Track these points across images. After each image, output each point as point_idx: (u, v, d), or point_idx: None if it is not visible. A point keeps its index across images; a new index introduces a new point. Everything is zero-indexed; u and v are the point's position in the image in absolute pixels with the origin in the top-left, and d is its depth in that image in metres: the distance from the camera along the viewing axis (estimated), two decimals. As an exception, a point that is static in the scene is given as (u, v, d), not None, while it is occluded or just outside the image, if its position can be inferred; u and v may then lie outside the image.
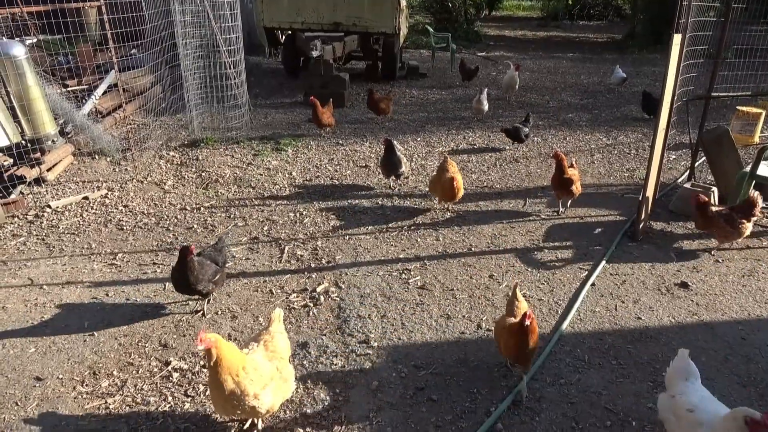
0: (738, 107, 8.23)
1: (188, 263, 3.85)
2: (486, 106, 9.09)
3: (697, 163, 6.57)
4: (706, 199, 4.99)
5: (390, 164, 6.24)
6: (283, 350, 3.16)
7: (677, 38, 4.84)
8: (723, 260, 4.97)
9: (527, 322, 3.19)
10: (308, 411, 3.27)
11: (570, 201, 5.91)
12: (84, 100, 7.93)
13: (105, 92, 8.39)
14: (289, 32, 11.91)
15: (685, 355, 3.02)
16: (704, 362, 3.68)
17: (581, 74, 13.53)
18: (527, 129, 7.79)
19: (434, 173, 6.04)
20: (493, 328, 3.83)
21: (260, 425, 3.13)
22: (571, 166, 5.81)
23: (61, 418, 3.22)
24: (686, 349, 3.05)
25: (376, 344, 3.84)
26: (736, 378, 3.55)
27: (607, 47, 18.59)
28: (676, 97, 5.41)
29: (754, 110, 8.03)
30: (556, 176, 5.69)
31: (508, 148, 7.94)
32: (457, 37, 16.89)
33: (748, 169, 5.49)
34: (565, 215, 5.82)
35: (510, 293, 3.71)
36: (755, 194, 4.98)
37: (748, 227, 4.94)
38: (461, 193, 5.64)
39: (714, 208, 5.03)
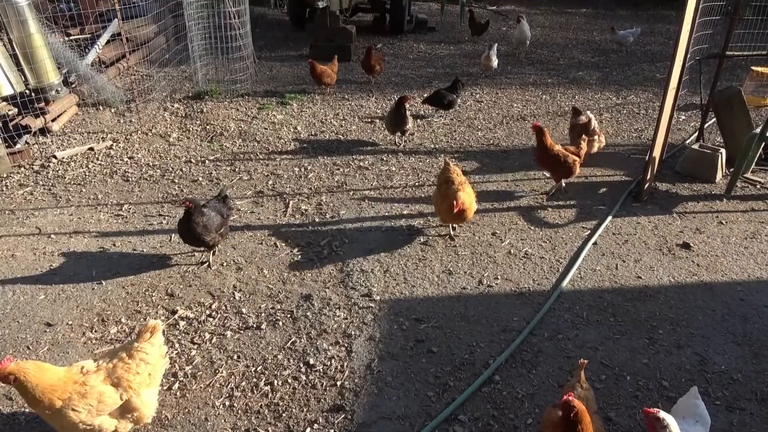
0: (752, 67, 8.04)
1: (193, 215, 3.87)
2: (495, 63, 8.92)
3: (706, 124, 6.48)
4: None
5: (397, 120, 6.19)
6: (136, 380, 2.63)
7: (694, -7, 4.69)
8: (726, 222, 4.96)
9: (572, 411, 2.38)
10: (311, 360, 3.36)
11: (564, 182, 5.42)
12: (87, 50, 7.82)
13: (108, 42, 8.26)
14: (295, -18, 11.60)
15: (695, 393, 2.69)
16: (701, 321, 3.74)
17: (593, 31, 13.19)
18: (453, 95, 7.06)
19: (435, 186, 4.79)
20: (543, 419, 2.74)
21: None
22: (579, 136, 5.43)
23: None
24: (695, 387, 2.76)
25: (378, 298, 3.90)
26: (732, 337, 3.61)
27: (622, 3, 18.04)
28: (689, 56, 5.29)
29: (769, 71, 7.84)
30: (539, 151, 5.15)
31: (515, 105, 7.84)
32: (467, -10, 16.40)
33: (758, 130, 5.42)
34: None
35: (574, 371, 2.78)
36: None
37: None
38: (472, 212, 4.45)
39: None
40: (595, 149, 5.80)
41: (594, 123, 5.75)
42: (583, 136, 5.47)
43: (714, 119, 6.42)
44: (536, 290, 4.03)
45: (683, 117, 7.50)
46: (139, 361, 2.67)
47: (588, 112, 5.86)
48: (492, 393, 3.17)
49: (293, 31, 11.94)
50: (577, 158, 5.14)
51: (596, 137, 5.74)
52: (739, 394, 3.20)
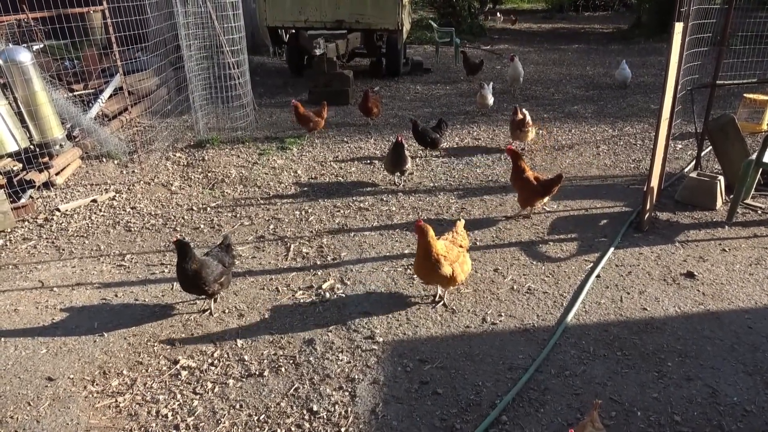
0: (745, 95, 8.15)
1: (185, 255, 3.92)
2: (490, 101, 9.07)
3: (703, 153, 6.52)
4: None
5: (396, 160, 6.26)
6: None
7: (679, 27, 4.81)
8: (729, 249, 4.94)
9: None
10: (314, 407, 3.31)
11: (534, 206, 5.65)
12: (90, 104, 8.01)
13: (111, 95, 8.46)
14: (293, 31, 11.95)
15: None
16: (710, 352, 3.67)
17: (587, 66, 13.45)
18: (436, 135, 7.20)
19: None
20: None
21: None
22: (522, 122, 7.14)
23: (72, 416, 3.28)
24: None
25: (381, 339, 3.86)
26: (743, 367, 3.54)
27: (613, 38, 18.45)
28: (680, 86, 5.38)
29: (762, 97, 7.95)
30: (513, 176, 5.56)
31: (511, 141, 7.92)
32: (461, 32, 16.85)
33: (754, 156, 5.45)
34: (569, 208, 5.81)
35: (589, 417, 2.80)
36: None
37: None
38: (442, 272, 3.90)
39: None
40: (529, 138, 7.36)
41: (528, 119, 7.22)
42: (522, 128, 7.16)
43: (710, 147, 6.47)
44: (541, 326, 3.99)
45: (680, 146, 7.56)
46: None
47: (523, 110, 7.35)
48: (500, 434, 3.10)
49: (292, 78, 12.23)
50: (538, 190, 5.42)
51: (529, 129, 7.22)
52: (754, 426, 3.11)
